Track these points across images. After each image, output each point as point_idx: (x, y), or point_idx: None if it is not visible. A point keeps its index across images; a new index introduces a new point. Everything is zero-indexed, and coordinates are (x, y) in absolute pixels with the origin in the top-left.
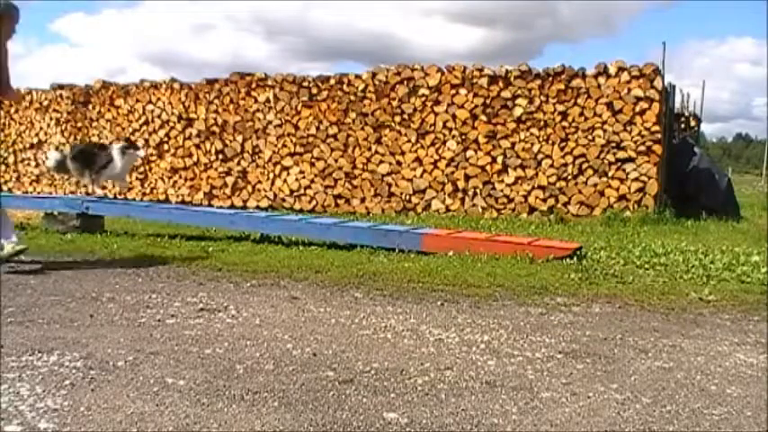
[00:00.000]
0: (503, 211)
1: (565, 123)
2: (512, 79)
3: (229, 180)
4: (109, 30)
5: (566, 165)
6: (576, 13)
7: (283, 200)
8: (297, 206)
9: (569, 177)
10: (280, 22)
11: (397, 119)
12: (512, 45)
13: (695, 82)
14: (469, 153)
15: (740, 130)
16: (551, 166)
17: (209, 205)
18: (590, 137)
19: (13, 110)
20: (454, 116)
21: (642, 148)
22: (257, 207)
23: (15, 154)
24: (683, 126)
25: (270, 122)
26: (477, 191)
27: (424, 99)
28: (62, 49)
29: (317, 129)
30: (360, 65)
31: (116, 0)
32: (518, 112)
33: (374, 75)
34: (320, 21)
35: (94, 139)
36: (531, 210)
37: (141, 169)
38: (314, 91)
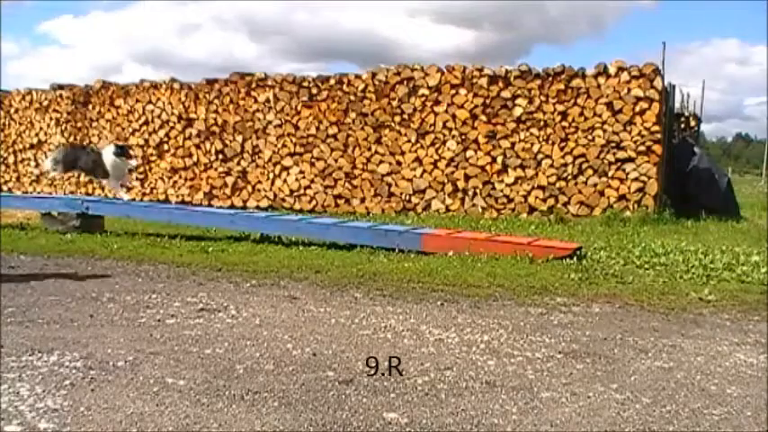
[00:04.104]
0: (503, 211)
1: (565, 123)
2: (512, 79)
3: (229, 180)
4: (98, 30)
5: (566, 165)
6: (564, 12)
7: (283, 200)
8: (297, 206)
9: (569, 177)
10: (266, 21)
11: (397, 119)
12: (498, 46)
13: (684, 82)
14: (469, 153)
15: (735, 129)
16: (551, 166)
17: (209, 205)
18: (590, 137)
19: (12, 110)
20: (454, 116)
21: (642, 148)
22: (257, 207)
23: (15, 154)
24: (682, 126)
25: (270, 122)
26: (477, 191)
27: (423, 99)
28: (53, 50)
29: (317, 129)
30: (354, 65)
31: (104, 0)
32: (518, 112)
33: (374, 75)
34: (307, 21)
35: (94, 139)
36: (531, 210)
37: (141, 169)
38: (314, 91)
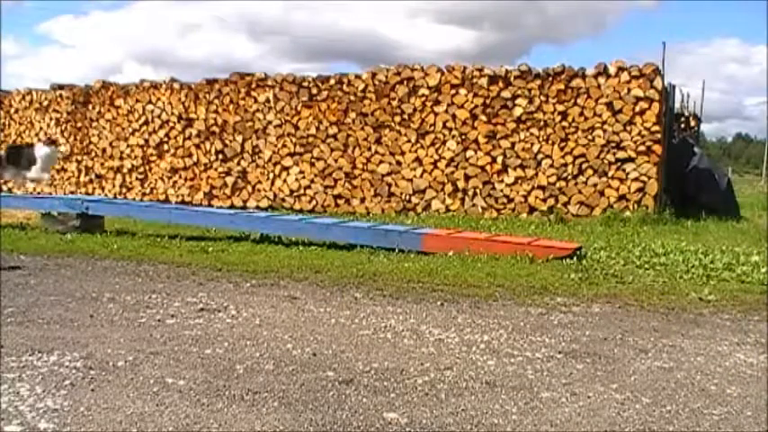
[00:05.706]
0: (503, 211)
1: (565, 123)
2: (512, 79)
3: (229, 180)
4: (98, 30)
5: (566, 165)
6: (564, 12)
7: (283, 200)
8: (297, 206)
9: (569, 177)
10: (266, 21)
11: (397, 119)
12: (498, 46)
13: (684, 82)
14: (469, 153)
15: (735, 129)
16: (551, 166)
17: (209, 205)
18: (590, 137)
19: (12, 110)
20: (454, 116)
21: (642, 148)
22: (257, 207)
23: None
24: (682, 126)
25: (270, 122)
26: (477, 191)
27: (423, 99)
28: (53, 50)
29: (317, 129)
30: (354, 65)
31: (104, 0)
32: (518, 112)
33: (374, 75)
34: (307, 21)
35: (94, 139)
36: (531, 210)
37: (141, 169)
38: (314, 91)
